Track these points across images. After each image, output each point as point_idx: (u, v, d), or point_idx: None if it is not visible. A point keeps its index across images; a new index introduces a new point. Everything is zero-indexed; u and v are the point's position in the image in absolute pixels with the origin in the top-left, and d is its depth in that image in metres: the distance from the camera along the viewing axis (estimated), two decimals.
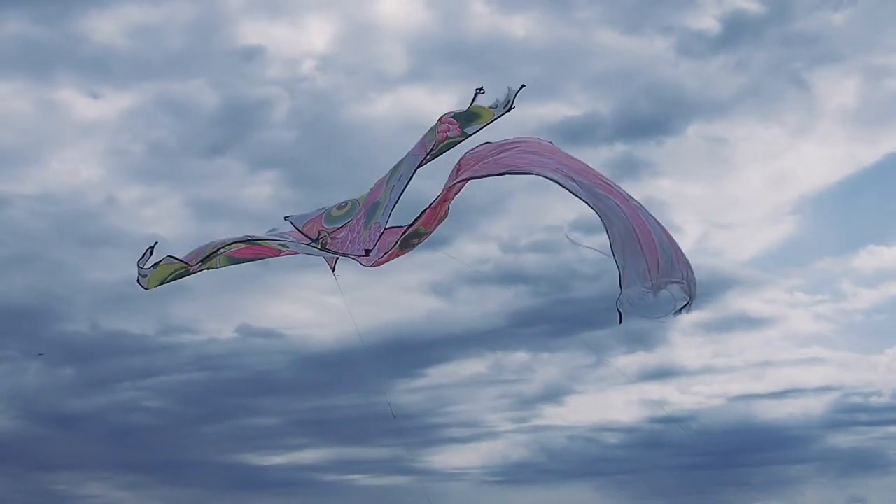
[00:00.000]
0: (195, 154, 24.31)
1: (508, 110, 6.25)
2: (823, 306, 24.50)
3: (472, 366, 23.01)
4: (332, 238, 6.48)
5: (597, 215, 4.68)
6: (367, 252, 6.05)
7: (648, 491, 21.35)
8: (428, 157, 6.10)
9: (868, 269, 25.03)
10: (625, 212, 4.74)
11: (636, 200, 5.08)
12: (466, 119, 6.23)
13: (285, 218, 6.96)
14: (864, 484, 21.31)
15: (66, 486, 21.38)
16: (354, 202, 6.67)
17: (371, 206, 6.37)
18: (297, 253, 6.52)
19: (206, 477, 21.53)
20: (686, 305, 4.60)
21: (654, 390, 23.36)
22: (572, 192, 4.75)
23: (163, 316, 21.12)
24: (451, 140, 6.20)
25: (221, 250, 6.15)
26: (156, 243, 6.24)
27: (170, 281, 6.21)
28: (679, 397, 22.86)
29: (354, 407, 20.32)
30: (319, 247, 6.36)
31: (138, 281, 6.24)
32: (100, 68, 23.90)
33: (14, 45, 23.70)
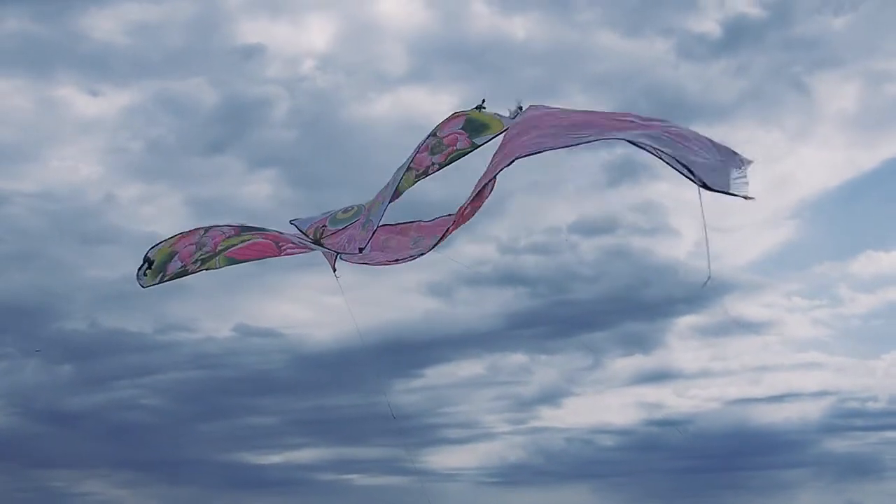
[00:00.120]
0: (194, 152, 24.35)
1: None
2: (821, 311, 24.58)
3: (469, 367, 23.06)
4: (330, 237, 6.52)
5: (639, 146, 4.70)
6: (360, 250, 6.12)
7: (645, 493, 21.39)
8: (437, 167, 6.18)
9: (866, 274, 25.09)
10: (656, 131, 4.82)
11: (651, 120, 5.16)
12: (475, 130, 6.27)
13: (290, 222, 6.99)
14: (860, 489, 21.36)
15: (63, 484, 21.42)
16: (360, 207, 6.73)
17: (371, 208, 6.43)
18: (295, 251, 6.54)
19: (203, 475, 21.56)
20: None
21: (651, 393, 23.41)
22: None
23: (161, 314, 21.14)
24: (460, 151, 6.28)
25: (221, 249, 6.18)
26: (149, 257, 6.27)
27: (168, 280, 6.23)
28: (676, 400, 22.93)
29: (352, 407, 20.36)
30: (313, 239, 6.41)
31: (139, 279, 6.26)
32: (99, 66, 23.95)
33: (14, 43, 23.73)
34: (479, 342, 21.76)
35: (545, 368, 23.21)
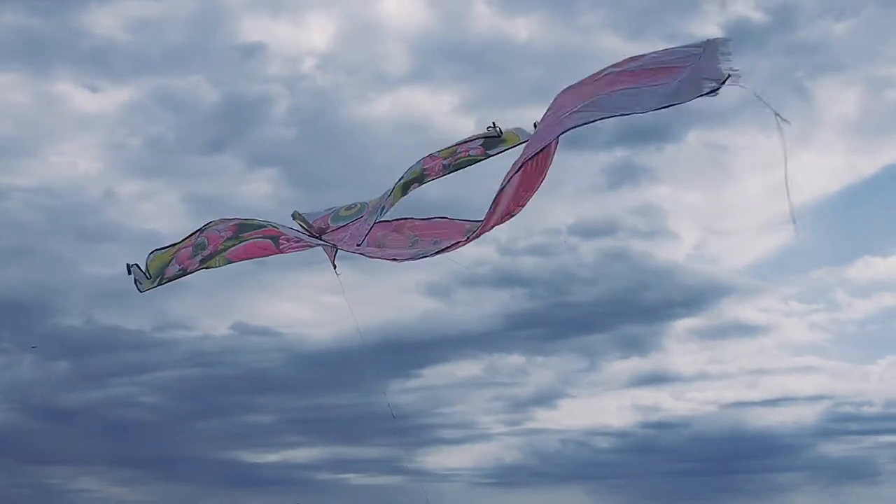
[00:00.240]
0: (194, 150, 24.33)
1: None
2: (818, 315, 24.61)
3: (467, 367, 23.07)
4: (331, 233, 6.51)
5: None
6: (357, 245, 6.13)
7: (640, 496, 21.42)
8: (445, 172, 6.20)
9: (863, 279, 25.14)
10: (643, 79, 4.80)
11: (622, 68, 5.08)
12: (491, 145, 6.31)
13: (293, 216, 6.97)
14: (855, 492, 21.41)
15: (60, 481, 21.41)
16: (364, 205, 6.72)
17: (374, 208, 6.43)
18: (294, 249, 6.53)
19: (200, 473, 21.55)
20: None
21: (648, 396, 23.44)
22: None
23: (158, 312, 21.12)
24: (471, 158, 6.32)
25: (221, 249, 6.17)
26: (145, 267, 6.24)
27: (167, 282, 6.22)
28: (672, 403, 22.95)
29: (349, 406, 20.35)
30: (313, 232, 6.40)
31: (136, 286, 6.22)
32: (99, 62, 23.91)
33: (13, 37, 23.71)
34: (477, 343, 21.80)
35: (542, 370, 23.27)
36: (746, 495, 21.10)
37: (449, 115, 23.18)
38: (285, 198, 22.29)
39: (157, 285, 6.25)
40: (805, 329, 24.53)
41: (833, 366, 23.71)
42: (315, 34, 26.01)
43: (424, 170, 6.26)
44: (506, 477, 21.57)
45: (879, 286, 25.04)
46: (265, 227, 6.35)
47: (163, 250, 6.32)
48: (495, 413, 22.80)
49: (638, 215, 23.46)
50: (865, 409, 22.22)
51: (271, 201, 22.58)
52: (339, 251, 6.55)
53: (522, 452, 22.07)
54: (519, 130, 6.36)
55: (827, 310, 24.88)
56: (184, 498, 21.11)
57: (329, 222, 6.73)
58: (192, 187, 23.82)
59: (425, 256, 6.14)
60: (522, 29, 24.69)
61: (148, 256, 6.32)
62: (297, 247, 6.50)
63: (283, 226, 6.51)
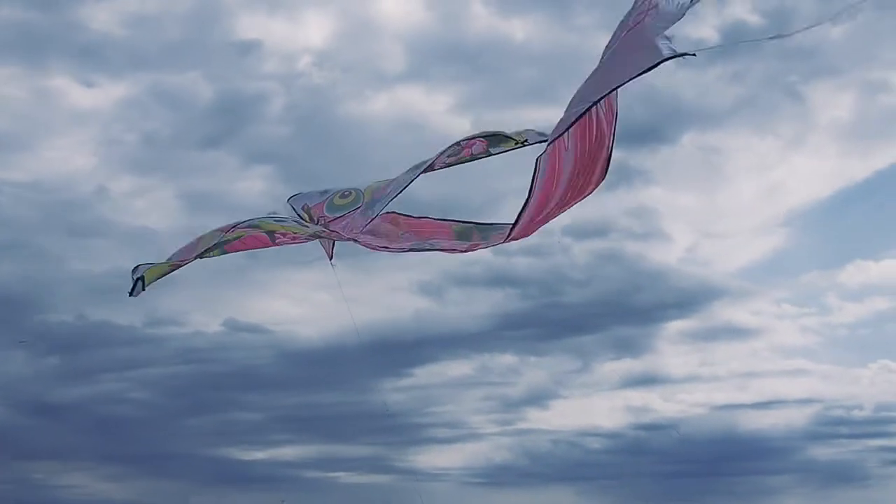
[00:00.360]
0: (189, 146, 24.24)
1: (538, 143, 6.33)
2: (809, 319, 24.74)
3: (458, 367, 23.06)
4: (328, 224, 6.46)
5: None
6: (356, 241, 6.12)
7: (631, 497, 21.43)
8: (445, 166, 6.20)
9: (854, 283, 25.26)
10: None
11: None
12: (496, 141, 6.32)
13: (288, 201, 6.93)
14: (844, 496, 21.51)
15: (46, 476, 21.28)
16: (359, 193, 6.66)
17: (372, 201, 6.38)
18: (292, 241, 6.49)
19: (187, 470, 21.45)
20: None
21: (639, 397, 23.48)
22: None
23: (150, 308, 21.02)
24: (474, 156, 6.32)
25: (220, 242, 6.12)
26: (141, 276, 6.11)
27: (163, 277, 6.14)
28: (663, 405, 23.00)
29: (339, 405, 20.32)
30: (318, 227, 6.35)
31: (132, 290, 6.14)
32: (95, 57, 23.80)
33: (9, 31, 23.57)
34: (469, 342, 21.80)
35: (534, 370, 23.28)
36: (736, 497, 21.16)
37: (445, 114, 23.19)
38: (280, 195, 22.05)
39: (154, 280, 6.15)
40: (796, 332, 24.69)
41: (824, 369, 23.87)
42: (312, 32, 25.98)
43: (427, 164, 6.24)
44: (496, 477, 21.59)
45: (871, 290, 25.20)
46: (263, 228, 6.34)
47: (161, 265, 6.19)
48: (487, 413, 22.83)
49: (631, 217, 23.52)
50: (856, 413, 22.37)
51: (266, 199, 22.50)
52: (336, 245, 6.52)
53: (513, 452, 22.09)
54: (528, 132, 6.37)
55: (818, 313, 25.05)
56: (172, 494, 21.02)
57: (325, 212, 6.66)
58: (186, 184, 23.78)
59: (421, 250, 6.13)
60: (519, 30, 24.74)
61: (146, 266, 6.18)
62: (292, 241, 6.47)
63: (281, 223, 6.43)
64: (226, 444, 21.93)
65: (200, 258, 6.21)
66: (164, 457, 21.38)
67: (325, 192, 6.88)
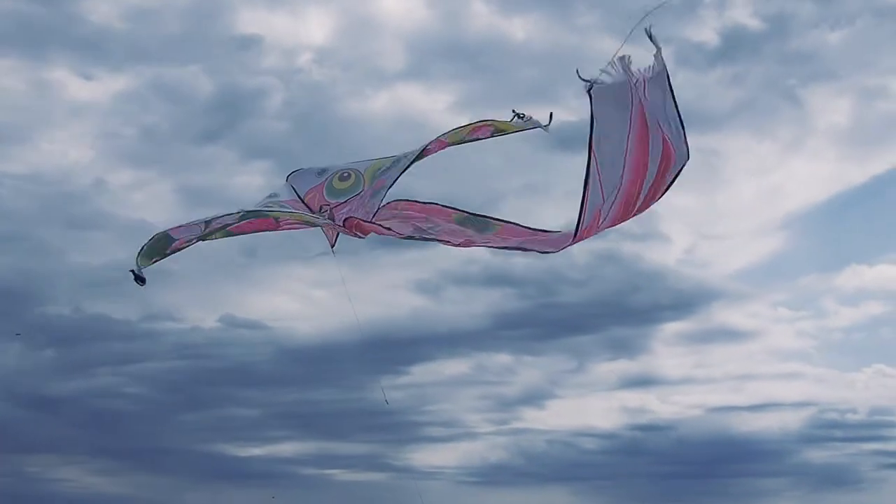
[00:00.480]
0: (187, 140, 24.22)
1: (533, 128, 6.31)
2: (805, 322, 24.84)
3: (454, 366, 23.08)
4: (335, 213, 6.39)
5: None
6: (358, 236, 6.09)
7: (625, 497, 21.50)
8: (442, 148, 6.16)
9: (850, 287, 25.37)
10: None
11: None
12: (499, 130, 6.31)
13: (287, 178, 6.86)
14: (837, 499, 21.60)
15: (40, 469, 21.27)
16: (359, 176, 6.55)
17: (376, 190, 6.30)
18: (296, 226, 6.45)
19: (182, 465, 21.45)
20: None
21: (635, 398, 23.51)
22: None
23: (147, 302, 20.99)
24: (478, 139, 6.32)
25: (219, 227, 6.08)
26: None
27: (164, 258, 6.06)
28: (659, 406, 23.03)
29: (335, 402, 20.32)
30: (325, 218, 6.30)
31: (136, 274, 6.07)
32: (94, 50, 23.76)
33: (8, 23, 23.53)
34: (466, 341, 21.81)
35: (530, 370, 23.30)
36: (730, 499, 21.23)
37: (444, 112, 23.18)
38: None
39: (153, 263, 6.05)
40: (792, 336, 24.78)
41: (819, 373, 23.94)
42: (312, 28, 25.99)
43: (427, 148, 6.20)
44: (491, 476, 21.62)
45: (866, 295, 25.36)
46: (268, 216, 6.30)
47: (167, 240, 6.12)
48: (482, 412, 22.85)
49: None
50: (849, 417, 22.46)
51: (264, 194, 22.46)
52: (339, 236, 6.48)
53: (508, 452, 22.11)
54: (527, 120, 6.30)
55: (814, 317, 25.18)
56: (166, 490, 21.02)
57: (325, 196, 6.56)
58: (184, 177, 23.76)
59: (421, 239, 6.10)
60: (520, 29, 24.76)
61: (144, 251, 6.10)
62: (297, 226, 6.44)
63: (286, 211, 6.38)
64: (222, 440, 21.95)
65: (203, 241, 6.11)
66: (160, 452, 21.40)
67: (324, 171, 6.74)
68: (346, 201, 6.43)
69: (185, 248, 6.17)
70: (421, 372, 22.01)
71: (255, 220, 6.25)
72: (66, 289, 22.20)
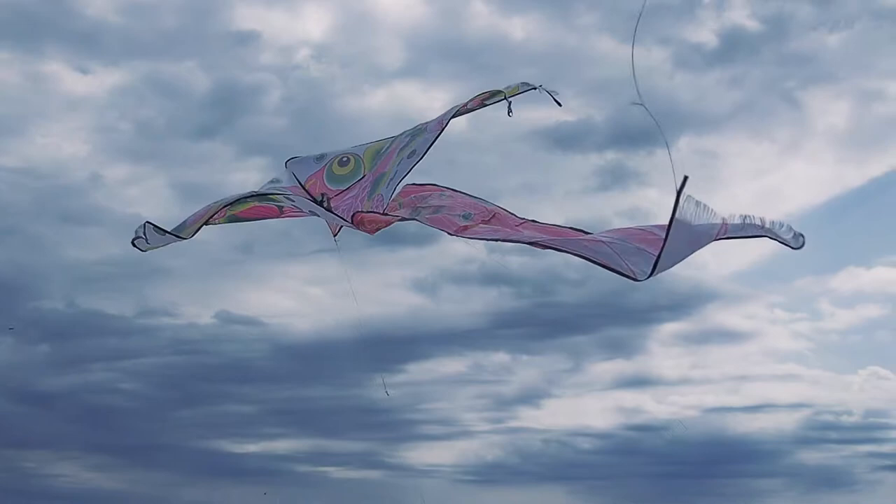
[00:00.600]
0: (183, 136, 24.14)
1: (527, 91, 6.17)
2: (801, 324, 24.85)
3: (451, 364, 23.05)
4: (335, 201, 6.30)
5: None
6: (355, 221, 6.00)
7: (621, 497, 21.51)
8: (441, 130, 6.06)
9: (846, 290, 25.40)
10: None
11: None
12: (492, 96, 6.18)
13: (286, 163, 6.76)
14: (832, 501, 21.63)
15: (34, 464, 21.18)
16: (358, 161, 6.43)
17: (378, 177, 6.19)
18: (298, 214, 6.40)
19: (177, 462, 21.39)
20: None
21: (631, 398, 23.54)
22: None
23: (142, 297, 20.98)
24: (469, 109, 6.17)
25: (228, 210, 6.03)
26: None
27: (168, 234, 5.99)
28: (655, 406, 23.07)
29: (331, 399, 20.30)
30: (325, 207, 6.21)
31: (137, 241, 6.00)
32: (90, 43, 23.67)
33: (3, 15, 23.42)
34: (462, 340, 21.80)
35: (527, 369, 23.31)
36: (725, 499, 21.26)
37: (442, 111, 23.10)
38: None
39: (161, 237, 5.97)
40: (788, 337, 24.80)
41: (815, 375, 23.98)
42: (310, 24, 25.90)
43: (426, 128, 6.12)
44: (487, 475, 21.61)
45: (862, 297, 25.33)
46: (272, 205, 6.25)
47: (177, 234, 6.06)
48: (479, 410, 22.83)
49: (626, 218, 23.45)
50: (845, 419, 22.51)
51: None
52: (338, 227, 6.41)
53: (505, 451, 22.11)
54: (522, 84, 6.19)
55: (810, 319, 25.16)
56: (161, 486, 20.97)
57: (326, 184, 6.46)
58: (180, 173, 23.69)
59: (415, 219, 6.04)
60: (519, 28, 24.70)
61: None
62: (300, 214, 6.39)
63: (288, 196, 6.29)
64: (217, 437, 21.90)
65: (207, 225, 6.04)
66: (155, 448, 21.34)
67: (322, 156, 6.63)
68: (347, 188, 6.33)
69: (200, 227, 6.02)
70: (417, 370, 22.02)
71: (256, 207, 6.18)
72: (60, 283, 22.17)
